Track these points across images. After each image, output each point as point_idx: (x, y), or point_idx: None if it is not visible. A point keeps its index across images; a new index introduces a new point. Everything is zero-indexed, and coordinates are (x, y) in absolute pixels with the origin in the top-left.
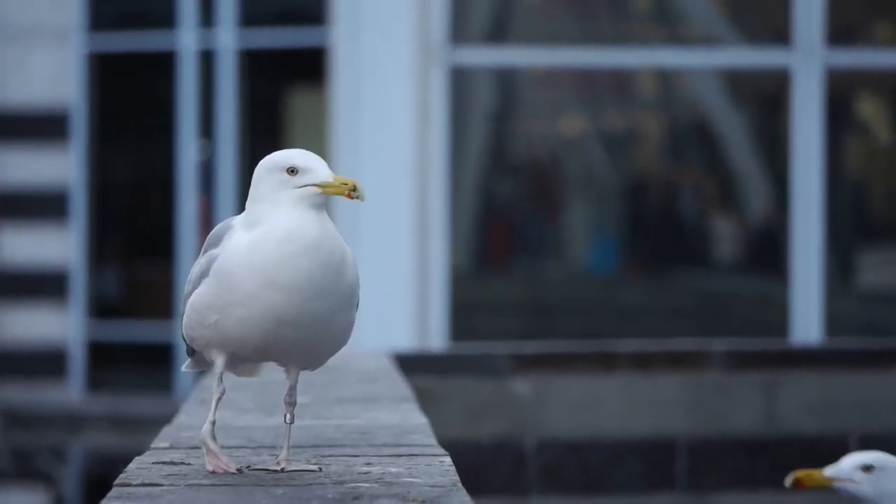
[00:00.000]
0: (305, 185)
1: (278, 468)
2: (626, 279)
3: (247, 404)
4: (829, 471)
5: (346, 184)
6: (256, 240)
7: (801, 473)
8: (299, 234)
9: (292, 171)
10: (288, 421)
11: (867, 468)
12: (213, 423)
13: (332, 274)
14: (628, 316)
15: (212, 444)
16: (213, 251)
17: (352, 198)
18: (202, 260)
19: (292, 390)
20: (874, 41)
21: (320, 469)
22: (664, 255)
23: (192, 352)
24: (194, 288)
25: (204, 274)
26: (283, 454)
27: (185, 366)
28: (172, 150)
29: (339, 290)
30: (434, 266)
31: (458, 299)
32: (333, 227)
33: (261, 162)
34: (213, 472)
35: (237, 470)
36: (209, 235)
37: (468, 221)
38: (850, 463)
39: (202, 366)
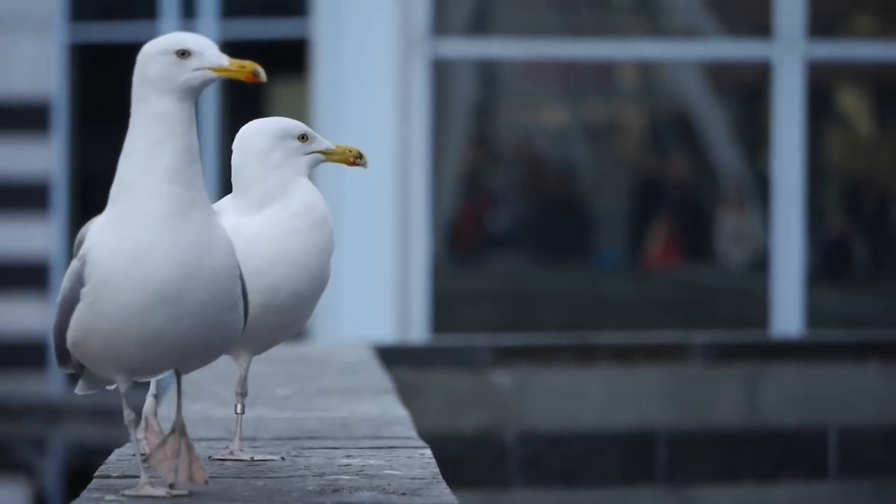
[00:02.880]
0: (312, 152)
1: (231, 457)
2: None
3: (226, 396)
4: None
5: (350, 151)
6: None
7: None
8: (312, 207)
9: (304, 137)
10: (238, 411)
11: None
12: (156, 396)
13: (331, 251)
14: (609, 308)
15: (153, 422)
16: None
17: (356, 164)
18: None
19: (243, 380)
20: (855, 34)
21: (282, 458)
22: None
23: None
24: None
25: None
26: (234, 444)
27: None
28: None
29: (325, 277)
30: (415, 258)
31: (438, 291)
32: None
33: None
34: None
35: None
36: None
37: (450, 213)
38: None
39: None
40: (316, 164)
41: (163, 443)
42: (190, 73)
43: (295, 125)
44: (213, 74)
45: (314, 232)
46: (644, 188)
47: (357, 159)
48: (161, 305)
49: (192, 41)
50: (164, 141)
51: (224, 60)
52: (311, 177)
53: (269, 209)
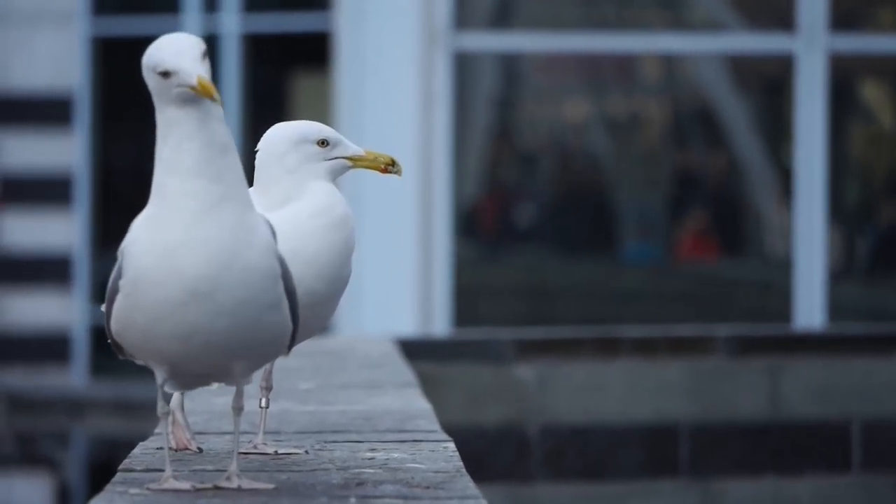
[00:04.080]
0: (336, 158)
1: (255, 451)
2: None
3: (251, 390)
4: None
5: (381, 158)
6: (289, 217)
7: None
8: (330, 208)
9: (323, 143)
10: (263, 405)
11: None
12: (183, 392)
13: (350, 251)
14: (631, 301)
15: (179, 416)
16: None
17: (388, 172)
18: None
19: (268, 375)
20: (877, 26)
21: (306, 452)
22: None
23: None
24: None
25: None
26: (258, 438)
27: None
28: None
29: (345, 275)
30: (437, 252)
31: (461, 285)
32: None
33: (281, 133)
34: (174, 449)
35: (198, 449)
36: None
37: (472, 206)
38: None
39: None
40: (342, 169)
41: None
42: (175, 89)
43: (315, 130)
44: (192, 93)
45: (331, 232)
46: (669, 181)
47: (389, 167)
48: (195, 301)
49: (169, 62)
50: (181, 143)
51: (193, 79)
52: (338, 181)
53: (287, 208)
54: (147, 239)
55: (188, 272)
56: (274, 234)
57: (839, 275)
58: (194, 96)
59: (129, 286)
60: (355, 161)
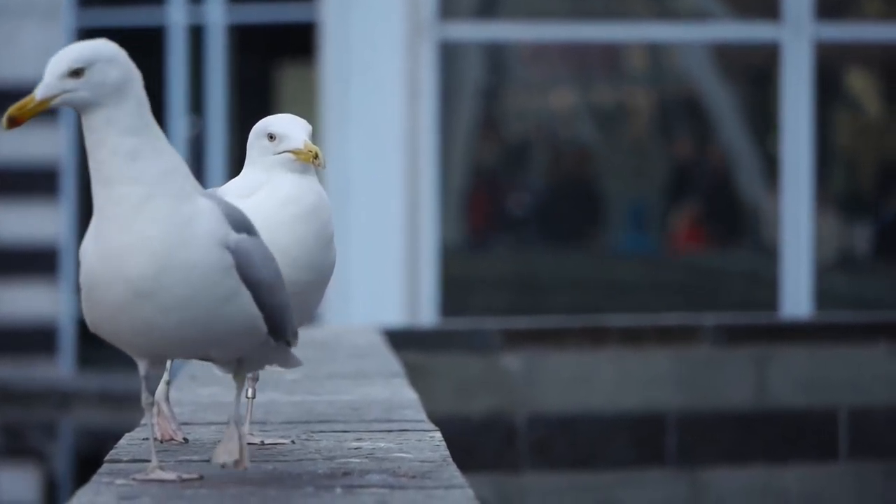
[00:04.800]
0: (283, 151)
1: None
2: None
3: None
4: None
5: (309, 151)
6: (255, 205)
7: (12, 110)
8: (297, 198)
9: (271, 137)
10: (249, 395)
11: (76, 72)
12: (168, 383)
13: (325, 241)
14: (618, 291)
15: (164, 407)
16: None
17: (316, 165)
18: None
19: None
20: (863, 15)
21: (293, 441)
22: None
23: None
24: None
25: None
26: (245, 428)
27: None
28: (162, 126)
29: (326, 264)
30: (424, 241)
31: (448, 275)
32: (326, 197)
33: (254, 127)
34: (160, 440)
35: (184, 440)
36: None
37: (459, 196)
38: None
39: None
40: (291, 162)
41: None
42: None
43: (264, 125)
44: (43, 105)
45: (300, 222)
46: (663, 171)
47: (314, 159)
48: (140, 301)
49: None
50: (91, 154)
51: (38, 94)
52: (321, 172)
53: (255, 197)
54: (92, 244)
55: (128, 274)
56: (241, 222)
57: (834, 264)
58: (60, 105)
59: (85, 288)
60: (297, 154)
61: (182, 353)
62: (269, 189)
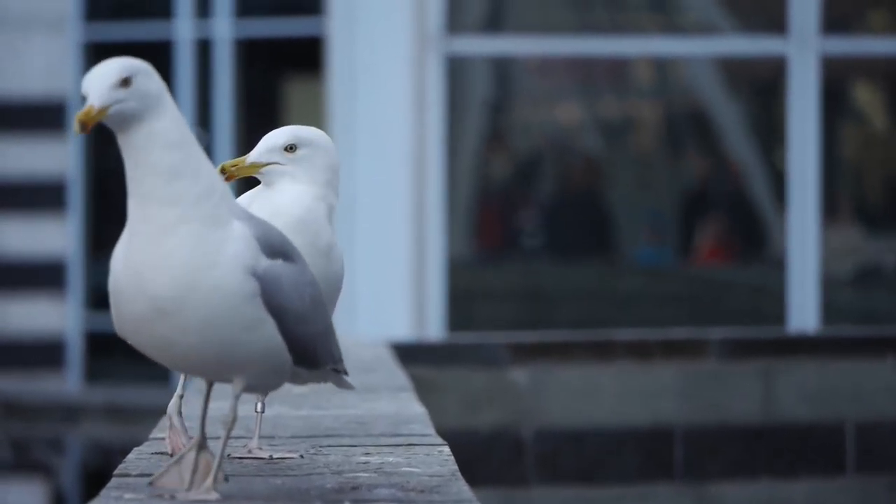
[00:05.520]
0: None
1: (250, 455)
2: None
3: (246, 395)
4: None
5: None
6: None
7: (80, 116)
8: (288, 209)
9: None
10: (258, 410)
11: (125, 81)
12: (181, 396)
13: (321, 252)
14: (625, 304)
15: (176, 421)
16: None
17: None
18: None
19: None
20: (869, 29)
21: (301, 456)
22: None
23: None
24: None
25: None
26: (253, 442)
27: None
28: None
29: (329, 275)
30: (431, 255)
31: (455, 288)
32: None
33: None
34: (171, 453)
35: None
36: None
37: (466, 210)
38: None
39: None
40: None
41: (178, 459)
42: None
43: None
44: (102, 114)
45: (291, 234)
46: (663, 185)
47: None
48: (161, 318)
49: (84, 86)
50: (130, 169)
51: (95, 103)
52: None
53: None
54: (121, 257)
55: (151, 291)
56: (277, 247)
57: (843, 277)
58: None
59: (111, 296)
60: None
61: (205, 374)
62: (259, 202)
